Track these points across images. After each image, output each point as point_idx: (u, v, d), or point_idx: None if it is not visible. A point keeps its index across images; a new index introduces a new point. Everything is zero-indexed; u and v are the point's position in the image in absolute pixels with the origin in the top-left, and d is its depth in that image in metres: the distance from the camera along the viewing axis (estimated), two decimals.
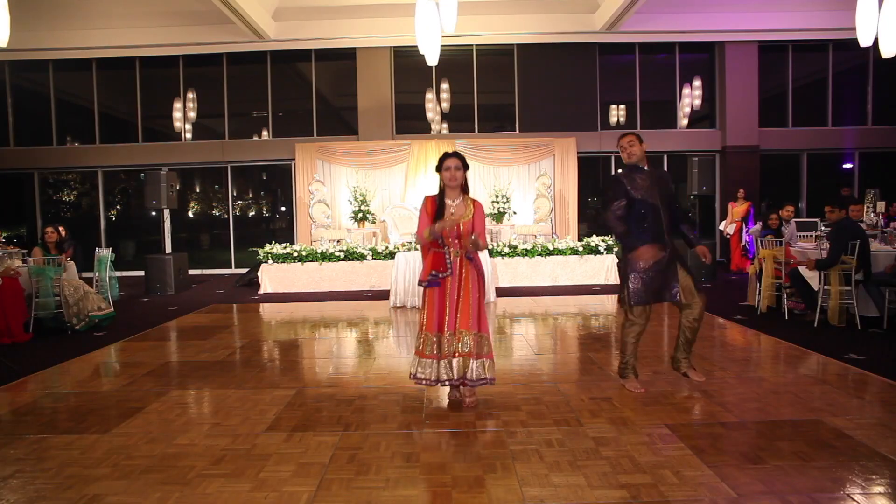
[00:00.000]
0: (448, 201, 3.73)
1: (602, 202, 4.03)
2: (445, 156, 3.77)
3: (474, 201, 3.79)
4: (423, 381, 3.70)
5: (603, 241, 9.66)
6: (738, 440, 3.20)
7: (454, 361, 3.62)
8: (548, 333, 6.18)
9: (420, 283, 3.78)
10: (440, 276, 3.67)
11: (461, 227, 3.66)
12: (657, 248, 3.87)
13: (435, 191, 3.81)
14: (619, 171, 4.12)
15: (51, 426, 3.62)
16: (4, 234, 10.50)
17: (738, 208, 11.13)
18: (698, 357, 4.90)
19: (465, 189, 3.80)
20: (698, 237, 4.24)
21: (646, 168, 4.02)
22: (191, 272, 10.99)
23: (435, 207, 3.71)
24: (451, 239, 3.68)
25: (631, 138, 4.02)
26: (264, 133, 13.27)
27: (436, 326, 3.66)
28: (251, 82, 13.31)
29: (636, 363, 4.15)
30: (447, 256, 3.68)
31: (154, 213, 12.59)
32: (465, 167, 3.77)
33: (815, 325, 5.96)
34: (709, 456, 2.98)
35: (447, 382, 3.69)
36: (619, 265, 4.11)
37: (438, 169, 3.78)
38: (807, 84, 13.25)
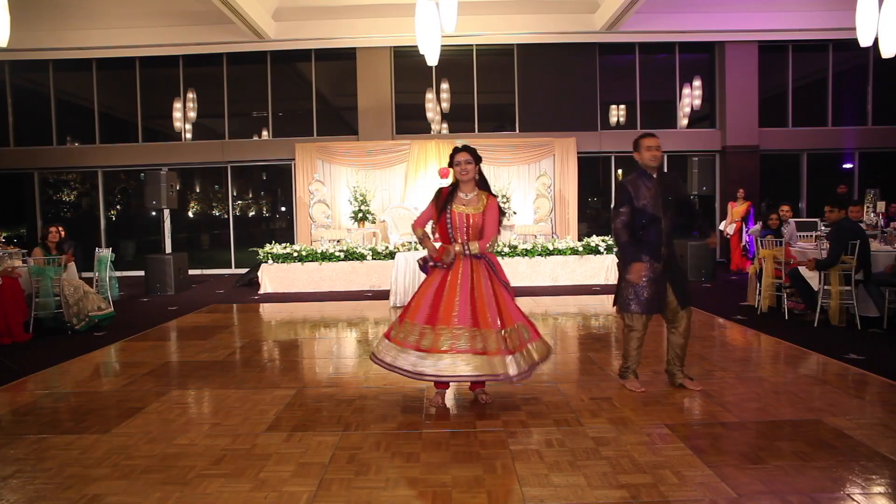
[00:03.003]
0: (461, 194, 3.70)
1: (612, 208, 3.97)
2: (455, 150, 3.73)
3: (489, 196, 3.71)
4: (384, 365, 3.58)
5: (603, 241, 9.67)
6: (738, 440, 3.20)
7: (461, 358, 3.46)
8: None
9: (429, 263, 3.67)
10: (440, 266, 3.63)
11: (470, 221, 3.62)
12: (647, 267, 3.85)
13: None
14: (628, 176, 4.00)
15: (51, 426, 3.62)
16: (4, 234, 10.49)
17: (737, 208, 11.13)
18: (698, 357, 4.91)
19: (480, 184, 3.74)
20: (706, 231, 4.25)
21: (654, 175, 3.90)
22: (191, 272, 10.99)
23: (444, 199, 3.67)
24: (458, 234, 3.65)
25: (658, 141, 3.86)
26: (264, 133, 13.27)
27: (424, 319, 3.55)
28: (251, 82, 13.31)
29: (637, 367, 4.14)
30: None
31: (154, 213, 12.59)
32: (477, 160, 3.70)
33: (815, 325, 5.96)
34: (709, 456, 2.98)
35: (430, 378, 3.53)
36: (618, 267, 4.10)
37: (451, 164, 3.75)
38: (807, 84, 13.25)
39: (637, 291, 3.88)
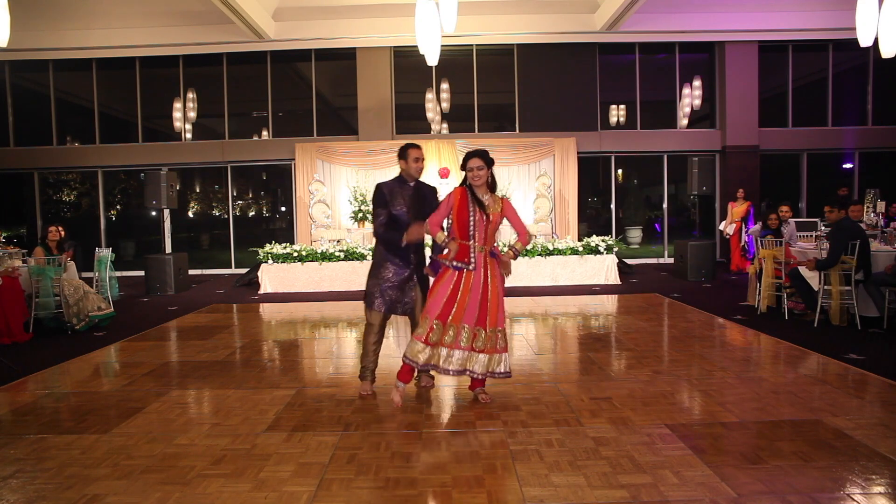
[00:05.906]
0: (478, 196, 3.74)
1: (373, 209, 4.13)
2: (468, 156, 3.77)
3: (503, 199, 3.81)
4: (418, 366, 3.68)
5: (603, 241, 9.66)
6: (738, 440, 3.20)
7: (481, 356, 3.69)
8: (548, 333, 6.18)
9: (444, 262, 3.71)
10: (463, 266, 3.68)
11: (487, 222, 3.69)
12: (395, 270, 3.96)
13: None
14: (385, 181, 4.14)
15: (51, 426, 3.62)
16: (4, 234, 10.49)
17: (737, 208, 11.12)
18: (698, 357, 4.91)
19: (492, 187, 3.79)
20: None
21: (411, 184, 4.05)
22: (191, 272, 10.98)
23: (465, 202, 3.70)
24: (477, 233, 3.69)
25: (420, 153, 4.03)
26: (264, 133, 13.27)
27: (443, 315, 3.65)
28: (251, 82, 13.31)
29: (374, 368, 4.13)
30: (472, 251, 3.68)
31: (154, 213, 12.60)
32: (489, 164, 3.76)
33: (815, 325, 5.96)
34: (709, 456, 2.99)
35: (467, 374, 3.73)
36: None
37: (463, 168, 3.79)
38: (807, 84, 13.25)
39: (383, 291, 3.97)
